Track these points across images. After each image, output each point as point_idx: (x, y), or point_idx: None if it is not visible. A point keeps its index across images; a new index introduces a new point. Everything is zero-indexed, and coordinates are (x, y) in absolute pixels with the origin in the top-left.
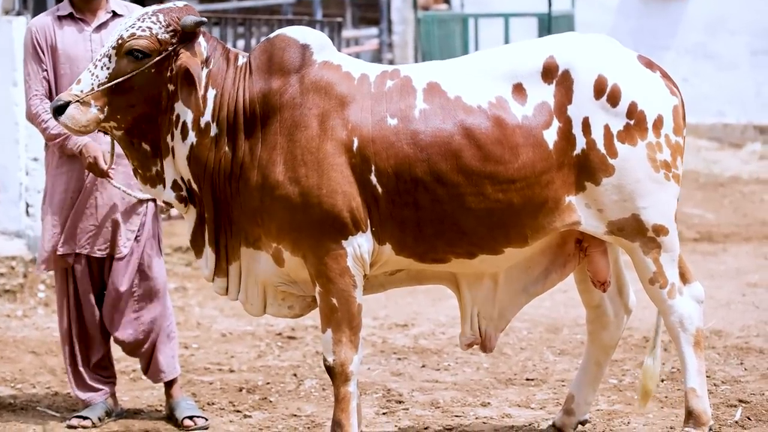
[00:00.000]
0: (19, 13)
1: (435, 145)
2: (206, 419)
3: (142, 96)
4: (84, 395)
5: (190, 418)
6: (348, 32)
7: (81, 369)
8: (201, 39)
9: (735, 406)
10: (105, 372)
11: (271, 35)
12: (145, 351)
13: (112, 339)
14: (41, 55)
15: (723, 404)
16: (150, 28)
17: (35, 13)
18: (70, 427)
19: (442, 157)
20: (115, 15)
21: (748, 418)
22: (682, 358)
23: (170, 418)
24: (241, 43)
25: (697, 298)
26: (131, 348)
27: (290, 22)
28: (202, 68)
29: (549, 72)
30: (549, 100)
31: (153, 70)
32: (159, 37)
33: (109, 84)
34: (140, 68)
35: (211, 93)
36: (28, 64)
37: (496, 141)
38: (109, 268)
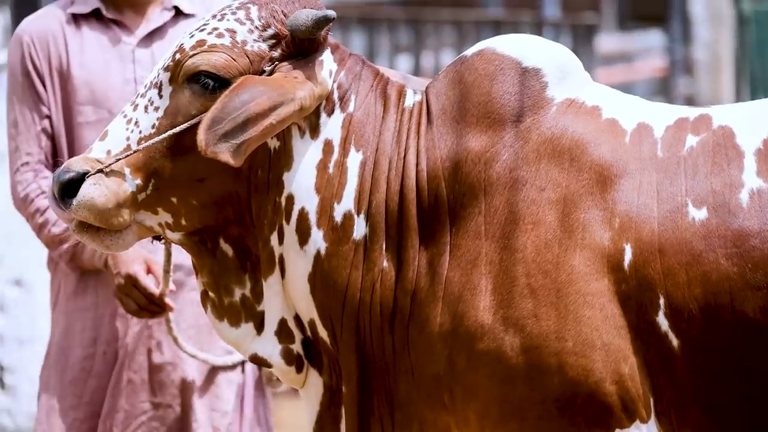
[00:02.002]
0: None
1: None
2: None
3: (220, 162)
4: None
5: None
6: (608, 42)
7: None
8: (327, 54)
9: None
10: None
11: (468, 52)
12: None
13: None
14: (39, 87)
15: None
16: (233, 32)
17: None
18: None
19: None
20: (179, 14)
21: None
22: None
23: None
24: (405, 62)
25: None
26: None
27: (498, 27)
28: (333, 111)
29: None
30: None
31: None
32: (248, 48)
33: (159, 138)
34: None
35: (355, 158)
36: (15, 105)
37: None
38: None
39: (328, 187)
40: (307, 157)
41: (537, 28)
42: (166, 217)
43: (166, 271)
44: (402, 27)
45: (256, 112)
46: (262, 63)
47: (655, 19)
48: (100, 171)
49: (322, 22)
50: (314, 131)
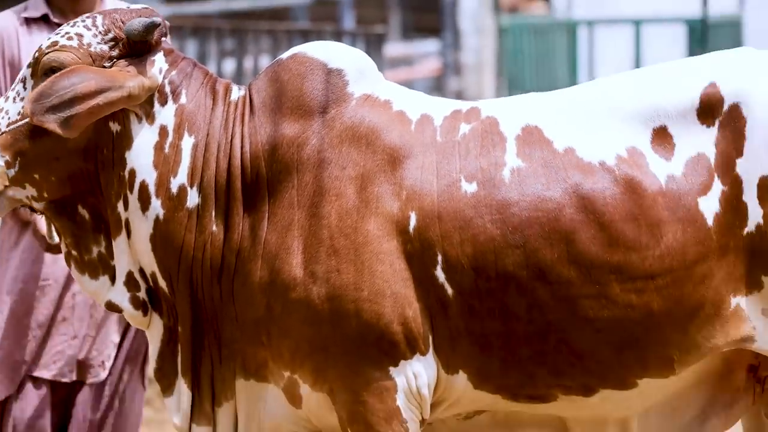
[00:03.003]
0: None
1: (535, 223)
2: None
3: (71, 142)
4: None
5: None
6: (394, 48)
7: None
8: (159, 56)
9: None
10: None
11: (283, 56)
12: None
13: None
14: (4, 73)
15: None
16: (80, 36)
17: None
18: None
19: (545, 242)
20: None
21: None
22: None
23: None
24: (230, 65)
25: None
26: None
27: (306, 35)
28: (166, 102)
29: (709, 108)
30: (708, 150)
31: None
32: (92, 49)
33: (22, 123)
34: None
35: (188, 142)
36: None
37: (627, 216)
38: (71, 399)
39: (165, 164)
40: (145, 139)
41: (337, 37)
42: (31, 191)
43: (49, 231)
44: (227, 36)
45: (84, 93)
46: (103, 61)
47: (432, 30)
48: None
49: (151, 27)
50: (150, 118)
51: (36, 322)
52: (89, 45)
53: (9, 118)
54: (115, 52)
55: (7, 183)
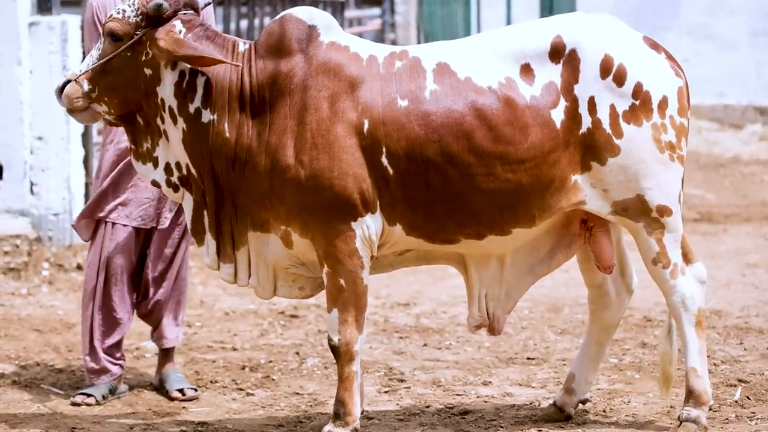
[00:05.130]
0: None
1: (446, 126)
2: (196, 389)
3: (123, 79)
4: (93, 375)
5: (180, 390)
6: (350, 12)
7: (96, 344)
8: (176, 23)
9: (734, 385)
10: (118, 353)
11: (277, 17)
12: (161, 314)
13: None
14: (100, 30)
15: (723, 384)
16: (124, 11)
17: None
18: (74, 404)
19: (453, 138)
20: None
21: (748, 398)
22: (683, 338)
23: (159, 389)
24: (244, 23)
25: (700, 279)
26: (155, 309)
27: (294, 2)
28: None
29: (556, 52)
30: (556, 79)
31: (129, 54)
32: (130, 20)
33: (95, 65)
34: (116, 51)
35: (201, 80)
36: (87, 41)
37: (506, 121)
38: (149, 240)
39: (182, 95)
40: (168, 79)
41: (314, 4)
42: (104, 108)
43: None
44: (243, 4)
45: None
46: (136, 29)
47: (376, 1)
48: (75, 80)
49: (157, 7)
50: (173, 66)
51: (127, 185)
52: (129, 17)
53: (91, 63)
54: (143, 23)
55: (90, 102)
